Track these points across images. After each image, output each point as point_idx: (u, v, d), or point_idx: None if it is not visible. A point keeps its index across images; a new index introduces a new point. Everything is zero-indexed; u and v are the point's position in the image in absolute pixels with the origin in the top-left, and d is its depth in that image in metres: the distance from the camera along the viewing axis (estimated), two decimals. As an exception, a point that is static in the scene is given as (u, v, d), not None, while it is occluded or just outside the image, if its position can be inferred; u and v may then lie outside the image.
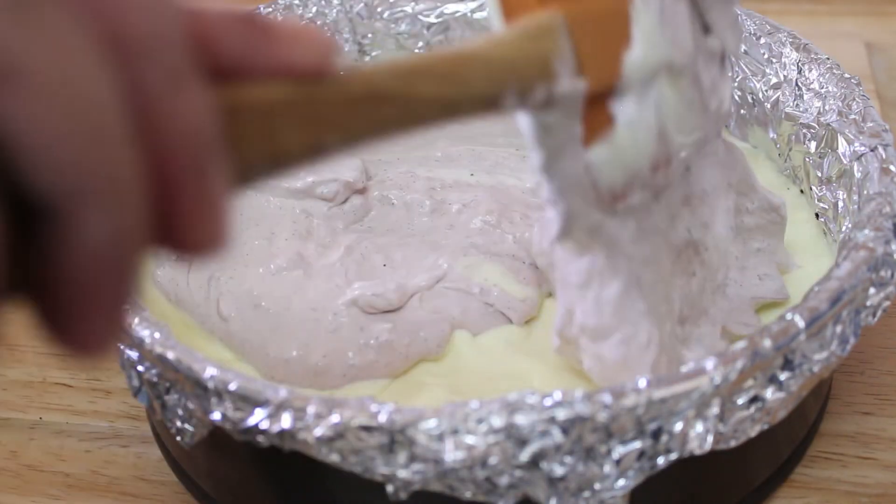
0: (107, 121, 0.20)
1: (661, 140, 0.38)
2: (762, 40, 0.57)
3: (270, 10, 0.64)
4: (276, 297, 0.49)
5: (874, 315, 0.42)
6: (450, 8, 0.67)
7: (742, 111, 0.59)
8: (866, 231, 0.42)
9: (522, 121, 0.36)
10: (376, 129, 0.29)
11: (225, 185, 0.23)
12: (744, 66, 0.58)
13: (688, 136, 0.39)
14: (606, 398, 0.35)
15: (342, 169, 0.55)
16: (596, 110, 0.36)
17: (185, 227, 0.23)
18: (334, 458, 0.36)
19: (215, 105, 0.23)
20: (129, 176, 0.21)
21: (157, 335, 0.40)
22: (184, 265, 0.52)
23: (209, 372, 0.38)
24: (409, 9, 0.68)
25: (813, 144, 0.52)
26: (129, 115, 0.21)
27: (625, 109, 0.37)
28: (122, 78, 0.21)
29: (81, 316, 0.21)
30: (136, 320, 0.41)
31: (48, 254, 0.20)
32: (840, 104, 0.51)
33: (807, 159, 0.53)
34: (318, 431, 0.36)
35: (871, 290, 0.41)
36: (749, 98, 0.58)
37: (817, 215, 0.53)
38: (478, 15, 0.67)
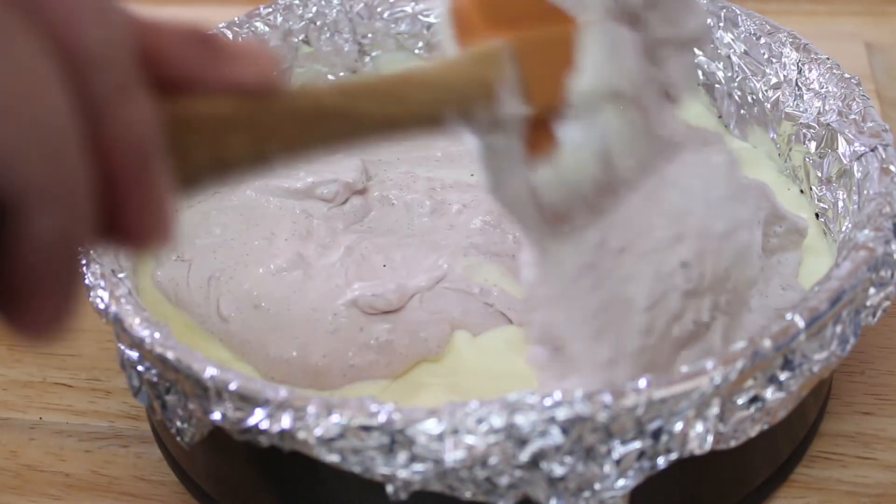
0: (58, 128, 0.22)
1: (605, 163, 0.39)
2: (762, 40, 0.57)
3: (270, 10, 0.64)
4: (276, 297, 0.49)
5: (874, 315, 0.42)
6: (450, 8, 0.67)
7: (742, 111, 0.59)
8: (866, 231, 0.42)
9: (469, 141, 0.38)
10: (320, 143, 0.31)
11: (167, 187, 0.25)
12: (744, 66, 0.58)
13: (633, 161, 0.41)
14: (606, 398, 0.35)
15: (342, 170, 0.55)
16: (542, 133, 0.38)
17: (129, 223, 0.25)
18: (334, 458, 0.36)
19: (161, 115, 0.25)
20: (77, 178, 0.23)
21: (157, 335, 0.40)
22: (184, 266, 0.52)
23: (209, 372, 0.38)
24: (409, 9, 0.68)
25: (813, 144, 0.52)
26: (78, 122, 0.23)
27: (569, 133, 0.38)
28: (72, 88, 0.23)
29: (32, 301, 0.23)
30: (137, 320, 0.41)
31: (3, 246, 0.22)
32: (840, 104, 0.51)
33: (807, 159, 0.53)
34: (318, 431, 0.36)
35: (871, 290, 0.41)
36: (749, 98, 0.58)
37: (817, 215, 0.53)
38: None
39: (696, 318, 0.42)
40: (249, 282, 0.50)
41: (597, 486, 0.36)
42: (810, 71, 0.53)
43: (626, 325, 0.41)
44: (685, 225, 0.43)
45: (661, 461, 0.36)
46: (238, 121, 0.28)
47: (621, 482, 0.36)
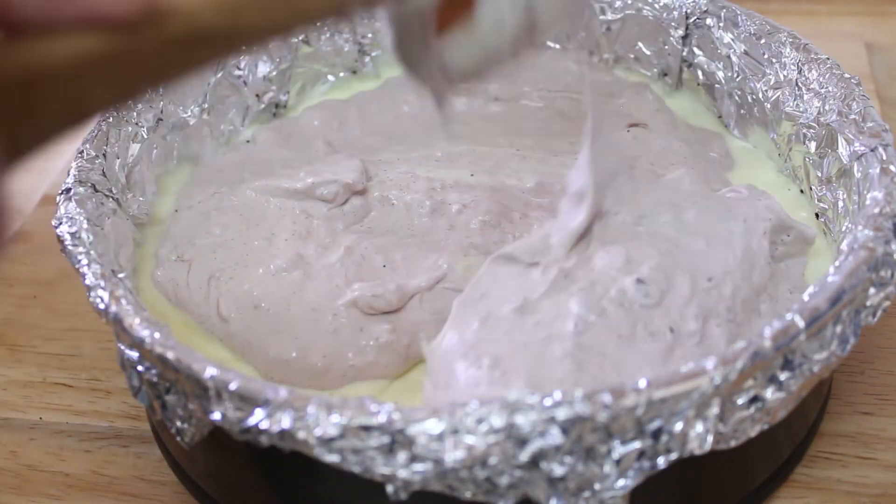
0: None
1: (527, 14, 0.37)
2: (762, 40, 0.57)
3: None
4: (276, 297, 0.49)
5: (874, 315, 0.42)
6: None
7: (742, 111, 0.59)
8: (866, 231, 0.42)
9: (380, 11, 0.35)
10: (196, 67, 0.27)
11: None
12: (744, 66, 0.58)
13: (555, 8, 0.39)
14: (606, 398, 0.35)
15: (342, 170, 0.55)
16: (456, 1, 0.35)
17: None
18: (334, 458, 0.36)
19: None
20: None
21: (157, 335, 0.40)
22: (184, 266, 0.52)
23: (209, 372, 0.38)
24: (409, 9, 0.68)
25: (813, 144, 0.52)
26: None
27: None
28: None
29: None
30: (137, 320, 0.41)
31: None
32: (840, 104, 0.51)
33: (807, 159, 0.53)
34: (318, 431, 0.36)
35: (871, 290, 0.41)
36: (749, 98, 0.58)
37: (817, 215, 0.53)
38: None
39: (675, 325, 0.43)
40: (249, 282, 0.50)
41: (597, 486, 0.36)
42: (810, 71, 0.53)
43: (545, 358, 0.42)
44: (644, 248, 0.46)
45: (661, 461, 0.36)
46: (101, 62, 0.23)
47: (621, 482, 0.36)
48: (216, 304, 0.50)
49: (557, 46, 0.67)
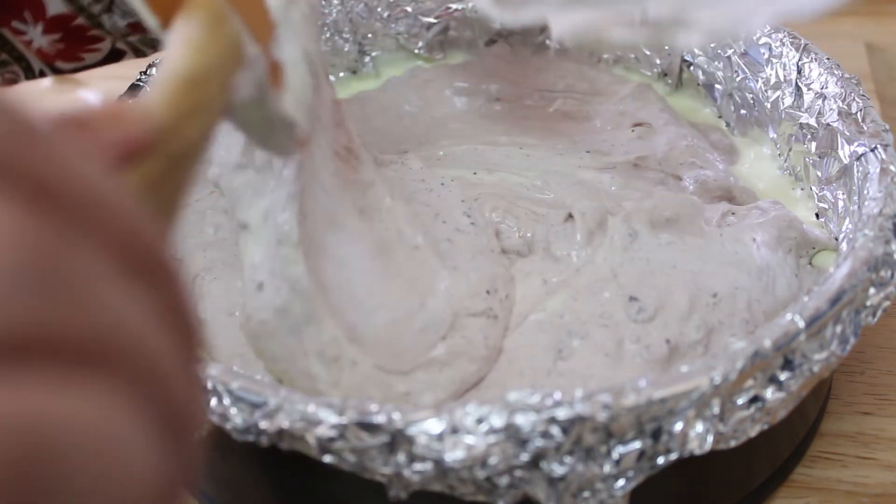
0: None
1: (309, 63, 0.39)
2: (762, 40, 0.57)
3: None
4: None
5: (874, 315, 0.42)
6: (450, 7, 0.67)
7: (742, 111, 0.59)
8: (866, 231, 0.42)
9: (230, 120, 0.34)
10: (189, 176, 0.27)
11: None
12: (744, 66, 0.58)
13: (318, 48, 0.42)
14: (606, 398, 0.35)
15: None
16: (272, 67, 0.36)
17: None
18: (334, 458, 0.36)
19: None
20: None
21: (156, 335, 0.40)
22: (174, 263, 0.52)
23: (209, 372, 0.38)
24: (409, 9, 0.68)
25: (813, 144, 0.52)
26: None
27: (284, 51, 0.38)
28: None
29: None
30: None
31: None
32: (840, 104, 0.51)
33: (807, 159, 0.53)
34: (318, 431, 0.36)
35: (871, 290, 0.41)
36: (749, 98, 0.58)
37: (817, 215, 0.53)
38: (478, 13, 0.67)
39: (673, 338, 0.44)
40: (231, 284, 0.50)
41: (597, 486, 0.36)
42: (810, 71, 0.53)
43: (532, 381, 0.43)
44: (637, 274, 0.47)
45: (661, 461, 0.36)
46: (156, 174, 0.25)
47: (621, 482, 0.36)
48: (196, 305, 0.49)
49: (558, 47, 0.67)
